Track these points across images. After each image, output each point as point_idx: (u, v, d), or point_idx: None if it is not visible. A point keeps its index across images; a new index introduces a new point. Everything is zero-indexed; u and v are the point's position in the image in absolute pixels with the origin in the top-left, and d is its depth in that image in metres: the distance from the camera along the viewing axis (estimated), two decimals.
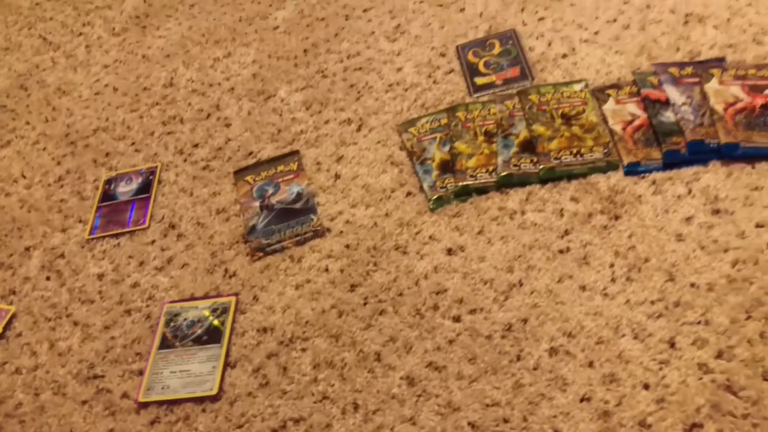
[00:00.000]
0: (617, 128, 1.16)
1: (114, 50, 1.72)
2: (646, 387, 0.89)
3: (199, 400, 1.03)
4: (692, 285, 0.96)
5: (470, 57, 1.37)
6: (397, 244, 1.13)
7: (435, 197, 1.17)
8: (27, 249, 1.32)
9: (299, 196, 1.25)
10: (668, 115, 1.14)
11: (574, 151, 1.15)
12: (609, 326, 0.96)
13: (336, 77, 1.44)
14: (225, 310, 1.12)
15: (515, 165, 1.16)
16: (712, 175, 1.06)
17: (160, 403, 1.04)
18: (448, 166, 1.20)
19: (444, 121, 1.27)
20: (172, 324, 1.13)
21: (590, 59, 1.29)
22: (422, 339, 1.01)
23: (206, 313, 1.13)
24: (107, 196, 1.37)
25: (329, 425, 0.97)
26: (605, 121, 1.17)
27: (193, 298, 1.16)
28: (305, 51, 1.53)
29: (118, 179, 1.39)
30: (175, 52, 1.65)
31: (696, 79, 1.16)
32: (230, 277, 1.18)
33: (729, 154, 1.07)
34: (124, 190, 1.37)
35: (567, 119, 1.19)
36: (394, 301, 1.07)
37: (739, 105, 1.11)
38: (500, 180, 1.15)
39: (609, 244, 1.04)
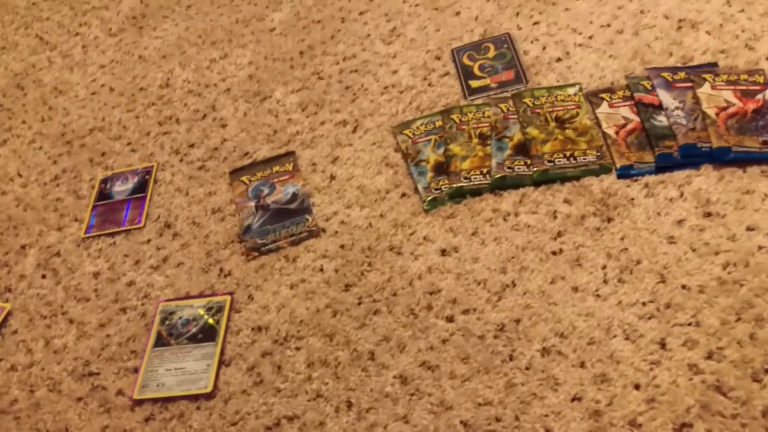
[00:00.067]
0: (610, 132, 1.17)
1: (110, 50, 1.72)
2: (637, 387, 0.90)
3: (194, 398, 1.04)
4: (683, 287, 0.97)
5: (465, 60, 1.38)
6: (392, 245, 1.14)
7: (429, 199, 1.18)
8: (23, 247, 1.33)
9: (294, 196, 1.26)
10: (661, 119, 1.15)
11: (568, 154, 1.16)
12: (601, 327, 0.97)
13: (332, 79, 1.45)
14: (220, 309, 1.13)
15: (509, 167, 1.17)
16: (704, 179, 1.08)
17: (154, 401, 1.05)
18: (442, 168, 1.21)
19: (439, 123, 1.28)
20: (167, 322, 1.13)
21: (584, 63, 1.30)
22: (416, 338, 1.02)
23: (201, 311, 1.13)
24: (103, 195, 1.37)
25: (323, 423, 0.97)
26: (599, 124, 1.19)
27: (188, 297, 1.16)
28: (301, 53, 1.53)
29: (114, 179, 1.40)
30: (171, 52, 1.65)
31: (689, 84, 1.18)
32: (225, 276, 1.18)
33: (720, 158, 1.08)
34: (120, 189, 1.37)
35: (561, 122, 1.20)
36: (388, 301, 1.07)
37: (731, 110, 1.12)
38: (494, 182, 1.17)
39: (601, 246, 1.05)
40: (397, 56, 1.45)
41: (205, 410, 1.02)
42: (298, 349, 1.06)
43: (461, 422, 0.93)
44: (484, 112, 1.26)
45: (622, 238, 1.05)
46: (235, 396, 1.03)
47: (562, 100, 1.24)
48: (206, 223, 1.27)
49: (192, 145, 1.42)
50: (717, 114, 1.12)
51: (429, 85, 1.37)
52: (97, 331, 1.16)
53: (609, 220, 1.07)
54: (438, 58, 1.42)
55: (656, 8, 1.34)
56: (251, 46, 1.60)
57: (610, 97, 1.21)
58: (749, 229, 1.01)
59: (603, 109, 1.20)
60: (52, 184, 1.43)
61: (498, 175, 1.17)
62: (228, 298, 1.14)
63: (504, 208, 1.13)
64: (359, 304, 1.09)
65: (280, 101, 1.44)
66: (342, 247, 1.16)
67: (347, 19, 1.57)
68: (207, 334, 1.10)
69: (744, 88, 1.15)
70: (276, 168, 1.31)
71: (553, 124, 1.20)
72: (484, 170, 1.18)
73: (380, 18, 1.54)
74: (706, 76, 1.18)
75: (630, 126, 1.16)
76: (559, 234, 1.08)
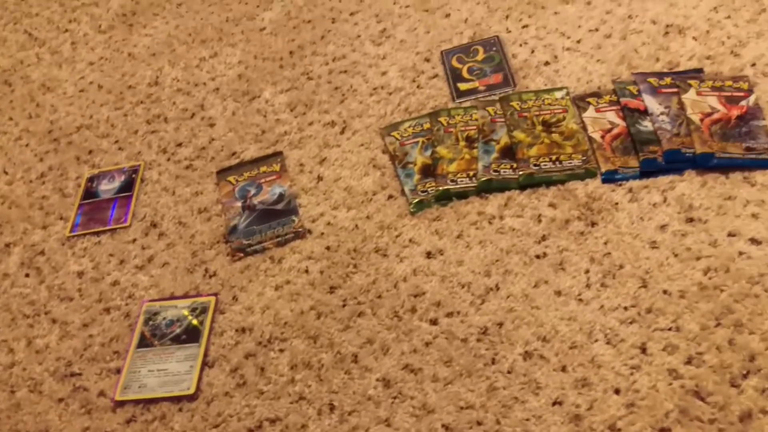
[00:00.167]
0: (596, 136, 1.17)
1: (100, 47, 1.71)
2: (617, 392, 0.91)
3: (176, 400, 1.04)
4: (665, 292, 0.98)
5: (454, 62, 1.39)
6: (378, 247, 1.14)
7: (416, 201, 1.18)
8: (7, 245, 1.32)
9: (281, 197, 1.26)
10: (646, 125, 1.15)
11: (554, 158, 1.16)
12: (582, 331, 0.97)
13: (321, 79, 1.45)
14: (204, 310, 1.13)
15: (495, 171, 1.18)
16: (687, 184, 1.08)
17: (136, 402, 1.05)
18: (429, 171, 1.21)
19: (427, 125, 1.28)
20: (150, 323, 1.13)
21: (572, 67, 1.30)
22: (399, 341, 1.02)
23: (185, 312, 1.13)
24: (89, 193, 1.37)
25: (305, 426, 0.97)
26: (585, 128, 1.19)
27: (172, 297, 1.16)
28: (291, 53, 1.53)
29: (101, 177, 1.39)
30: (161, 51, 1.65)
31: (674, 90, 1.18)
32: (210, 276, 1.18)
33: (704, 164, 1.09)
34: (107, 188, 1.37)
35: (547, 126, 1.21)
36: (373, 303, 1.08)
37: (716, 116, 1.13)
38: (480, 185, 1.17)
39: (585, 250, 1.05)
40: (387, 57, 1.45)
41: (187, 412, 1.02)
42: (281, 351, 1.06)
43: (443, 425, 0.93)
44: (471, 115, 1.27)
45: (605, 243, 1.05)
46: (217, 398, 1.03)
47: (549, 104, 1.24)
48: (192, 223, 1.27)
49: (180, 144, 1.42)
50: (701, 120, 1.12)
51: (418, 87, 1.37)
52: (80, 331, 1.16)
53: (593, 224, 1.08)
54: (427, 60, 1.42)
55: (644, 13, 1.35)
56: (241, 45, 1.59)
57: (597, 102, 1.22)
58: (730, 234, 1.01)
59: (589, 113, 1.21)
60: (38, 182, 1.43)
61: (484, 178, 1.17)
62: (212, 299, 1.14)
63: (489, 211, 1.14)
64: (344, 306, 1.09)
65: (269, 101, 1.44)
66: (328, 248, 1.17)
67: (337, 20, 1.57)
68: (191, 335, 1.10)
69: (728, 94, 1.15)
70: (263, 168, 1.31)
71: (539, 127, 1.21)
72: (471, 173, 1.19)
73: (370, 19, 1.54)
74: (692, 81, 1.18)
75: (616, 131, 1.17)
76: (544, 238, 1.08)
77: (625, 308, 0.98)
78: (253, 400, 1.01)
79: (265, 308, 1.11)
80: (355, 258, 1.14)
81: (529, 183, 1.15)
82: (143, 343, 1.11)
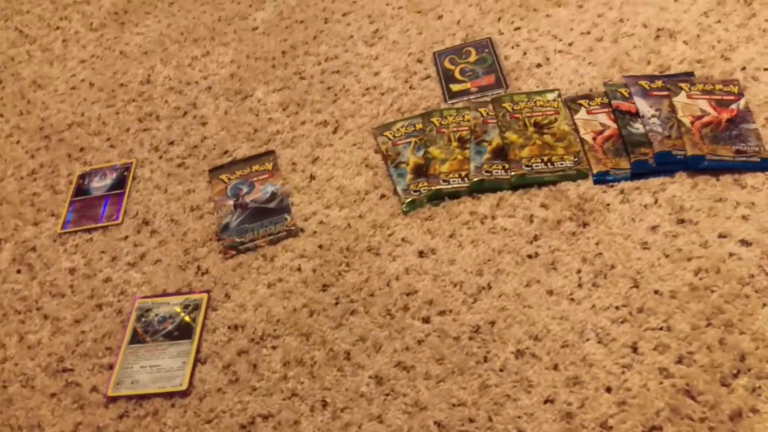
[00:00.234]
0: (588, 138, 1.18)
1: (91, 45, 1.71)
2: (609, 390, 0.92)
3: (169, 395, 1.04)
4: (656, 292, 0.99)
5: (446, 64, 1.39)
6: (370, 246, 1.15)
7: (408, 200, 1.19)
8: None
9: (274, 195, 1.26)
10: (637, 127, 1.17)
11: (545, 159, 1.17)
12: (574, 330, 0.98)
13: (313, 79, 1.46)
14: (197, 307, 1.13)
15: (487, 171, 1.18)
16: (678, 186, 1.09)
17: (129, 398, 1.04)
18: (422, 171, 1.22)
19: (419, 126, 1.29)
20: (143, 319, 1.13)
21: (564, 69, 1.31)
22: (392, 339, 1.03)
23: (178, 309, 1.13)
24: (81, 190, 1.37)
25: (297, 422, 0.98)
26: (576, 130, 1.20)
27: (165, 294, 1.16)
28: (283, 52, 1.54)
29: (93, 174, 1.39)
30: (153, 49, 1.65)
31: (665, 93, 1.20)
32: (203, 274, 1.18)
33: (694, 166, 1.10)
34: (98, 185, 1.37)
35: (539, 128, 1.22)
36: (365, 302, 1.08)
37: (706, 119, 1.14)
38: (472, 185, 1.18)
39: (577, 250, 1.06)
40: (379, 58, 1.45)
41: (179, 408, 1.02)
42: (274, 348, 1.06)
43: (435, 423, 0.94)
44: (464, 116, 1.28)
45: (597, 243, 1.06)
46: (210, 394, 1.03)
47: (541, 106, 1.25)
48: (184, 221, 1.27)
49: (172, 143, 1.42)
50: (692, 123, 1.14)
51: (410, 87, 1.38)
52: (72, 327, 1.15)
53: (585, 225, 1.09)
54: (420, 61, 1.42)
55: (635, 17, 1.36)
56: (233, 44, 1.60)
57: (589, 104, 1.23)
58: (721, 236, 1.02)
59: (581, 115, 1.22)
60: (29, 179, 1.42)
61: (476, 179, 1.18)
62: (205, 296, 1.14)
63: (481, 211, 1.14)
64: (336, 304, 1.09)
65: (261, 100, 1.44)
66: (320, 247, 1.17)
67: (330, 20, 1.58)
68: (183, 331, 1.10)
69: (719, 97, 1.17)
70: (255, 167, 1.31)
71: (531, 129, 1.22)
72: (463, 173, 1.19)
73: (363, 19, 1.55)
74: (683, 85, 1.19)
75: (607, 132, 1.18)
76: (536, 238, 1.09)
77: (617, 308, 0.99)
78: (245, 396, 1.02)
79: (258, 306, 1.11)
80: (348, 256, 1.14)
81: (521, 184, 1.16)
82: (135, 339, 1.11)
